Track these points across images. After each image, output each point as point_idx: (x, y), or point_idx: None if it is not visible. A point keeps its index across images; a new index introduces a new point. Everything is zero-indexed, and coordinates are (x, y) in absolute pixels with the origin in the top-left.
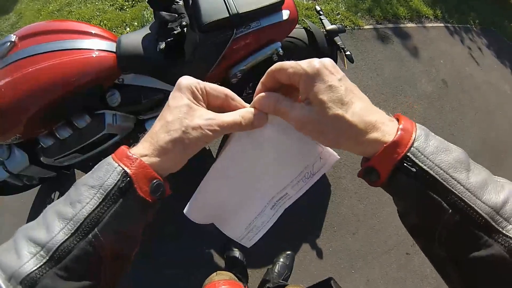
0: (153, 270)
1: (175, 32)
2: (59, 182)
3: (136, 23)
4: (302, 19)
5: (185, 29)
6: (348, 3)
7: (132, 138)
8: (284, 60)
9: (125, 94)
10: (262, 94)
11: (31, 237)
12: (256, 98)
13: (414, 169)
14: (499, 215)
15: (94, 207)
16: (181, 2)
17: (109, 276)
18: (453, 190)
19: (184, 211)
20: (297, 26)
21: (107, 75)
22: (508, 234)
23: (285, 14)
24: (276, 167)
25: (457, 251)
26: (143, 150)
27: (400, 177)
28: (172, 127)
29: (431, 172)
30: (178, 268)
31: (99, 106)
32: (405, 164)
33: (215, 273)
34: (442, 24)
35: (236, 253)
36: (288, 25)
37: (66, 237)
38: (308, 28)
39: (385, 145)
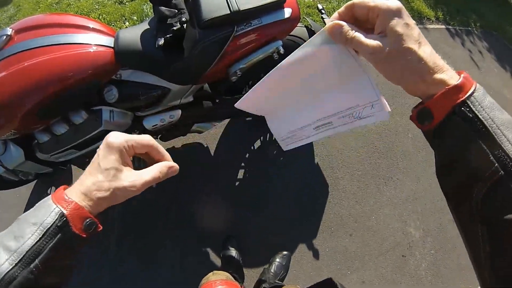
0: (149, 270)
1: (174, 28)
2: (55, 177)
3: (135, 18)
4: (304, 18)
5: (184, 25)
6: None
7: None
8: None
9: (122, 90)
10: (338, 22)
11: None
12: (330, 24)
13: (470, 115)
14: None
15: (35, 241)
16: None
17: None
18: (502, 145)
19: (235, 104)
20: (299, 24)
21: (104, 70)
22: None
23: (287, 12)
24: (331, 92)
25: (492, 210)
26: (78, 198)
27: (454, 121)
28: (102, 187)
29: (486, 122)
30: (174, 267)
31: (96, 102)
32: (462, 109)
33: (211, 273)
34: (443, 26)
35: (233, 252)
36: (290, 23)
37: (11, 266)
38: (310, 27)
39: (447, 87)
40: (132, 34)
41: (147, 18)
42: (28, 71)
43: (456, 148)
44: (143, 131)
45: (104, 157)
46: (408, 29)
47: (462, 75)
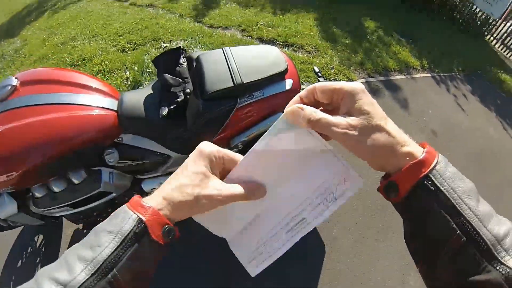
0: None
1: (178, 100)
2: (43, 225)
3: (136, 68)
4: (301, 82)
5: (188, 96)
6: (341, 57)
7: (128, 196)
8: None
9: (123, 154)
10: (298, 105)
11: (54, 277)
12: (290, 108)
13: (432, 188)
14: (500, 245)
15: (113, 250)
16: (185, 65)
17: None
18: (463, 213)
19: (195, 218)
20: None
21: (107, 134)
22: (506, 264)
23: (288, 83)
24: (296, 182)
25: (458, 273)
26: (156, 203)
27: (418, 194)
28: (186, 190)
29: (447, 194)
30: None
31: (96, 162)
32: (425, 183)
33: None
34: (429, 74)
35: None
36: (291, 94)
37: (87, 277)
38: None
39: (411, 162)
40: (136, 99)
41: (152, 81)
42: (31, 129)
43: (421, 218)
44: (141, 193)
45: (193, 161)
46: (374, 108)
47: (425, 149)
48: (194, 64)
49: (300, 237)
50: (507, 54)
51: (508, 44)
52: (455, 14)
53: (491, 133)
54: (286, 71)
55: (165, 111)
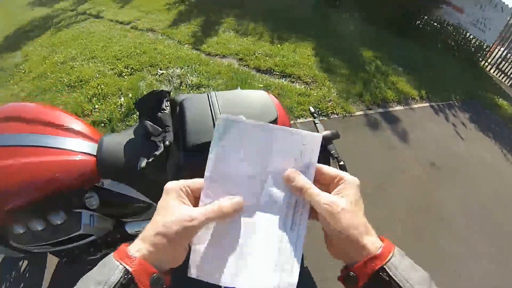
0: None
1: (157, 153)
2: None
3: (130, 95)
4: (295, 124)
5: (167, 148)
6: (339, 88)
7: (111, 237)
8: None
9: (104, 198)
10: (295, 170)
11: None
12: (288, 172)
13: (387, 279)
14: None
15: None
16: (167, 110)
17: None
18: None
19: (189, 273)
20: None
21: (88, 179)
22: None
23: None
24: (264, 176)
25: None
26: (138, 246)
27: (375, 284)
28: (157, 224)
29: (400, 283)
30: None
31: (76, 204)
32: (380, 274)
33: None
34: (427, 104)
35: None
36: None
37: None
38: None
39: (369, 256)
40: (116, 144)
41: (133, 125)
42: (12, 171)
43: None
44: (125, 235)
45: (162, 201)
46: (360, 201)
47: (382, 245)
48: (178, 109)
49: (306, 222)
50: (502, 78)
51: (503, 68)
52: (449, 42)
53: (487, 158)
54: (275, 121)
55: (143, 162)
